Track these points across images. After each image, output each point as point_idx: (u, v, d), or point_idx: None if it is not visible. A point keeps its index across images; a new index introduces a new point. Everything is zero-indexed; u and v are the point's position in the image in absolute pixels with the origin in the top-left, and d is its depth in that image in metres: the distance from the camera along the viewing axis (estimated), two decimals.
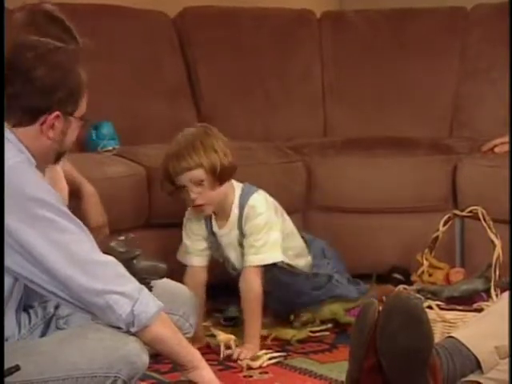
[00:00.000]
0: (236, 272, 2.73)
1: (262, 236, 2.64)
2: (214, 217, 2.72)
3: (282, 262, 2.69)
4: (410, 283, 2.60)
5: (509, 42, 3.30)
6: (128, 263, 2.02)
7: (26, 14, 2.10)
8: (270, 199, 2.73)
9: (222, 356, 2.54)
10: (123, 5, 3.44)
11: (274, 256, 2.65)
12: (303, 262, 2.79)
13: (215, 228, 2.72)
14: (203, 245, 2.73)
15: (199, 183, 2.62)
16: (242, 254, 2.68)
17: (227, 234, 2.71)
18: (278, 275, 2.69)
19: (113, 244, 2.13)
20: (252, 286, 2.62)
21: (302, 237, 2.83)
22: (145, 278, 2.03)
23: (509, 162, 2.89)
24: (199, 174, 2.61)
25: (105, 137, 3.06)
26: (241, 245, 2.69)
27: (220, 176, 2.62)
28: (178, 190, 2.66)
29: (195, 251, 2.73)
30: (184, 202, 2.74)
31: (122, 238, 2.17)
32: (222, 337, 2.57)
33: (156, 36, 3.48)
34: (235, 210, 2.68)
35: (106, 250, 1.93)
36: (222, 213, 2.70)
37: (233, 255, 2.73)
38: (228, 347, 2.55)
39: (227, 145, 2.66)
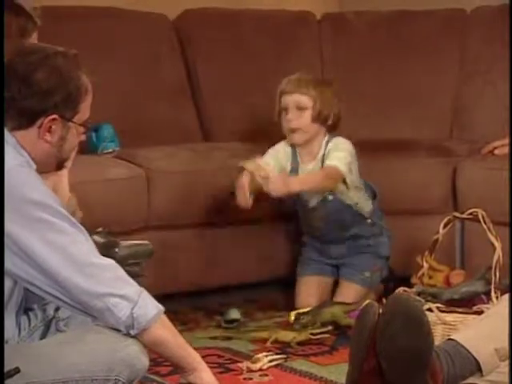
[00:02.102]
0: (308, 205, 2.93)
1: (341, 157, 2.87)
2: (299, 152, 2.94)
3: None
4: (396, 280, 2.63)
5: (509, 44, 3.30)
6: (110, 252, 2.02)
7: None
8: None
9: None
10: (124, 7, 3.44)
11: (344, 169, 2.85)
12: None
13: (300, 160, 2.94)
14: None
15: (302, 109, 2.85)
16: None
17: (309, 169, 2.92)
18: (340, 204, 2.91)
19: (93, 236, 2.13)
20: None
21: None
22: (133, 263, 2.03)
23: (509, 164, 2.89)
24: (306, 101, 2.87)
25: (105, 139, 3.05)
26: None
27: (323, 118, 2.89)
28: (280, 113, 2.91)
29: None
30: (183, 203, 2.74)
31: (100, 229, 2.17)
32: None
33: (156, 38, 3.47)
34: (322, 151, 2.92)
35: None
36: (309, 149, 2.93)
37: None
38: None
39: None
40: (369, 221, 2.99)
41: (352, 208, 2.96)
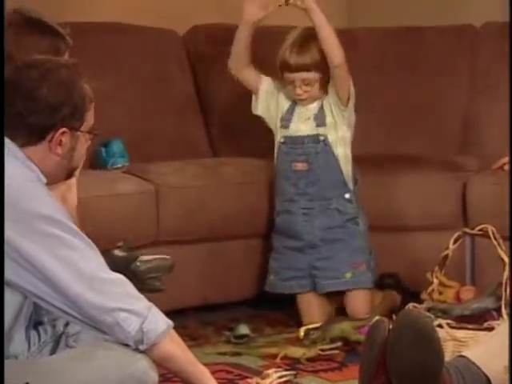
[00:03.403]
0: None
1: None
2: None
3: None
4: (401, 287, 2.63)
5: (509, 45, 3.31)
6: (131, 267, 2.02)
7: (12, 17, 2.14)
8: None
9: None
10: (134, 23, 3.46)
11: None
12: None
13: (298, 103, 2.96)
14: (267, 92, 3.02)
15: (310, 84, 2.88)
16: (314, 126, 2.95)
17: (307, 109, 2.95)
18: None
19: (113, 251, 2.13)
20: None
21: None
22: (153, 277, 2.02)
23: (509, 178, 2.89)
24: (313, 76, 2.90)
25: (114, 154, 3.06)
26: (315, 117, 2.95)
27: (328, 78, 2.91)
28: (283, 82, 2.94)
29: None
30: (192, 218, 2.73)
31: (121, 243, 2.17)
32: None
33: (166, 53, 3.49)
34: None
35: (108, 258, 1.93)
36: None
37: (300, 126, 2.96)
38: None
39: None
40: (347, 195, 2.96)
41: (337, 167, 2.95)
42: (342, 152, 2.99)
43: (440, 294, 2.61)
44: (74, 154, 1.91)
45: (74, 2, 3.46)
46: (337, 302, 3.01)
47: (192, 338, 2.85)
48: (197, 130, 3.48)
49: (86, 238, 1.86)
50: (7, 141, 1.86)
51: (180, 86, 3.48)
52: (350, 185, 2.99)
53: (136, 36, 3.44)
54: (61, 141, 1.88)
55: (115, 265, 1.98)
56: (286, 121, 3.01)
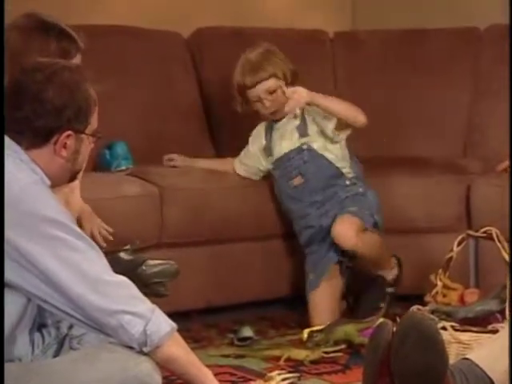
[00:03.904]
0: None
1: None
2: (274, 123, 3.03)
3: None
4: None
5: (509, 48, 3.31)
6: (137, 271, 2.02)
7: (23, 21, 2.16)
8: None
9: None
10: (138, 25, 3.46)
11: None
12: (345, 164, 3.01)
13: (274, 127, 3.02)
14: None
15: (273, 91, 2.92)
16: (297, 138, 2.98)
17: (284, 124, 3.01)
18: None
19: (120, 254, 2.13)
20: None
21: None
22: (158, 282, 2.02)
23: (509, 180, 2.89)
24: (273, 83, 2.93)
25: (118, 156, 3.06)
26: (297, 129, 2.98)
27: (289, 82, 2.95)
28: (249, 105, 3.00)
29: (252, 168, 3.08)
30: (196, 221, 2.72)
31: (128, 246, 2.17)
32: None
33: (170, 56, 3.49)
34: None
35: (114, 261, 1.94)
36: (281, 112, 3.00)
37: (286, 143, 3.00)
38: None
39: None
40: (347, 182, 2.98)
41: (329, 165, 2.97)
42: (333, 154, 2.99)
43: (444, 296, 2.61)
44: (78, 156, 1.92)
45: (79, 4, 3.47)
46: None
47: (195, 341, 2.85)
48: (200, 132, 3.48)
49: (90, 240, 1.86)
50: (12, 143, 1.86)
51: (184, 89, 3.48)
52: (348, 170, 3.00)
53: (140, 38, 3.45)
54: (66, 143, 1.88)
55: (121, 268, 1.98)
56: (267, 149, 3.05)
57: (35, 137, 1.87)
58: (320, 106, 2.96)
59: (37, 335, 1.97)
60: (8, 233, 1.78)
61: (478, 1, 3.78)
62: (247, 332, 2.86)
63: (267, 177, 3.15)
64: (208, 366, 1.94)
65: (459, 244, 2.59)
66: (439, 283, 2.60)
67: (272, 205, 3.12)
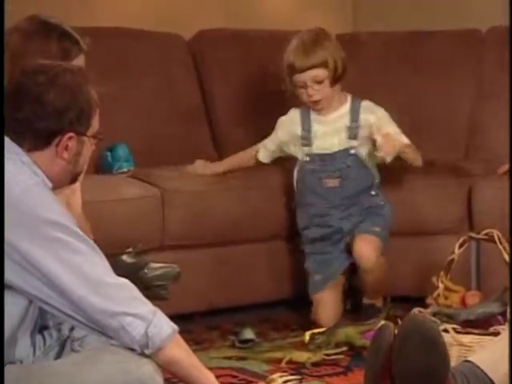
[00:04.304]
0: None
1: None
2: (313, 112, 2.97)
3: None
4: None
5: (509, 52, 3.31)
6: (139, 274, 2.02)
7: (25, 24, 2.16)
8: None
9: None
10: (140, 27, 3.46)
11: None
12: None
13: (312, 118, 2.95)
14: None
15: (320, 81, 2.86)
16: (345, 138, 2.94)
17: (333, 120, 2.93)
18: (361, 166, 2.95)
19: (122, 257, 2.13)
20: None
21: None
22: (159, 285, 2.02)
23: (509, 181, 2.88)
24: (322, 72, 2.87)
25: (120, 158, 3.06)
26: (348, 129, 2.94)
27: (338, 76, 2.91)
28: (293, 87, 2.92)
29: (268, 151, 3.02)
30: (198, 223, 2.72)
31: (130, 249, 2.18)
32: None
33: (171, 58, 3.49)
34: (347, 105, 2.96)
35: (116, 263, 1.94)
36: (328, 107, 2.95)
37: (332, 141, 2.94)
38: None
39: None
40: (373, 192, 2.99)
41: (369, 176, 2.97)
42: (373, 161, 2.99)
43: (445, 298, 2.61)
44: (80, 158, 1.92)
45: (80, 6, 3.47)
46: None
47: (197, 343, 2.85)
48: (202, 134, 3.48)
49: (92, 242, 1.86)
50: (13, 145, 1.86)
51: (185, 91, 3.48)
52: (377, 180, 3.02)
53: (142, 40, 3.45)
54: (67, 145, 1.88)
55: (123, 270, 1.98)
56: (305, 139, 2.99)
57: (36, 139, 1.87)
58: (404, 156, 2.92)
59: (38, 337, 1.97)
60: (9, 235, 1.78)
61: (479, 3, 3.78)
62: (249, 334, 2.86)
63: (269, 178, 3.14)
64: (209, 369, 1.94)
65: (461, 246, 2.58)
66: (441, 285, 2.59)
67: (274, 207, 3.12)
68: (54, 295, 1.81)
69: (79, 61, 2.25)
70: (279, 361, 2.67)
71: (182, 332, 1.89)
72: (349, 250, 2.97)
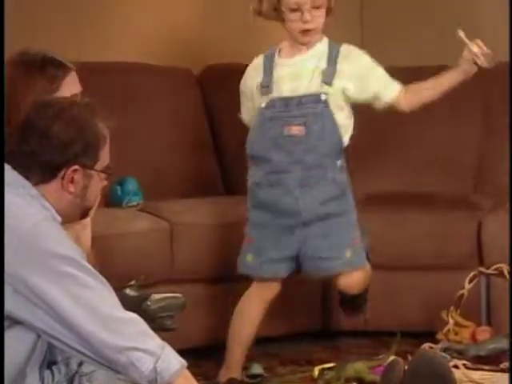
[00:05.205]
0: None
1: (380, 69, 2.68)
2: (282, 49, 2.66)
3: None
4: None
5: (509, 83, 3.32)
6: (142, 306, 2.01)
7: (7, 70, 2.18)
8: None
9: None
10: (149, 62, 3.48)
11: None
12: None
13: (281, 61, 2.64)
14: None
15: (318, 7, 2.56)
16: (318, 82, 2.60)
17: (303, 60, 2.62)
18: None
19: (125, 290, 2.13)
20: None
21: None
22: (165, 316, 2.02)
23: (508, 207, 2.88)
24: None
25: (129, 192, 3.08)
26: (323, 73, 2.60)
27: (331, 7, 2.60)
28: (276, 12, 2.57)
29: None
30: (207, 256, 2.70)
31: (133, 282, 2.17)
32: None
33: (181, 92, 3.51)
34: (321, 46, 2.63)
35: (120, 297, 1.93)
36: (313, 43, 2.63)
37: (300, 83, 2.61)
38: None
39: None
40: (339, 162, 2.63)
41: (336, 132, 2.60)
42: (342, 118, 2.64)
43: (456, 334, 2.60)
44: (87, 192, 1.92)
45: (91, 42, 3.49)
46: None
47: (206, 378, 2.84)
48: (211, 168, 3.48)
49: (101, 277, 1.86)
50: (20, 178, 1.87)
51: (194, 125, 3.50)
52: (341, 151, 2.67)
53: (151, 75, 3.47)
54: (73, 178, 1.88)
55: (127, 304, 1.97)
56: (265, 87, 2.65)
57: (42, 171, 1.87)
58: (450, 78, 2.73)
59: (47, 372, 1.96)
60: (17, 269, 1.78)
61: (488, 37, 3.79)
62: (257, 369, 2.84)
63: None
64: None
65: (471, 281, 2.58)
66: (451, 321, 2.58)
67: None
68: (63, 330, 1.80)
69: (71, 79, 2.25)
70: None
71: (190, 367, 1.88)
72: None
